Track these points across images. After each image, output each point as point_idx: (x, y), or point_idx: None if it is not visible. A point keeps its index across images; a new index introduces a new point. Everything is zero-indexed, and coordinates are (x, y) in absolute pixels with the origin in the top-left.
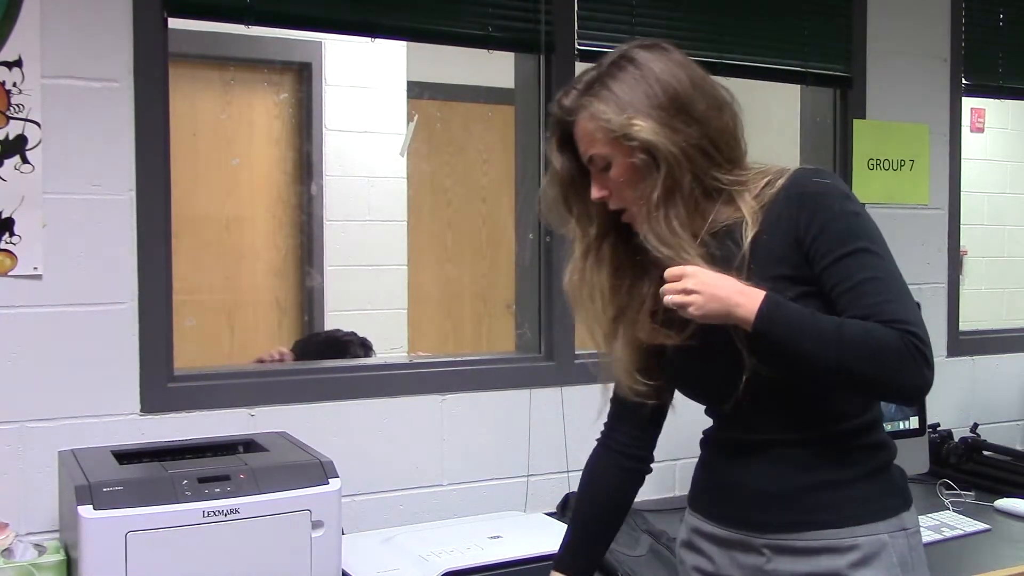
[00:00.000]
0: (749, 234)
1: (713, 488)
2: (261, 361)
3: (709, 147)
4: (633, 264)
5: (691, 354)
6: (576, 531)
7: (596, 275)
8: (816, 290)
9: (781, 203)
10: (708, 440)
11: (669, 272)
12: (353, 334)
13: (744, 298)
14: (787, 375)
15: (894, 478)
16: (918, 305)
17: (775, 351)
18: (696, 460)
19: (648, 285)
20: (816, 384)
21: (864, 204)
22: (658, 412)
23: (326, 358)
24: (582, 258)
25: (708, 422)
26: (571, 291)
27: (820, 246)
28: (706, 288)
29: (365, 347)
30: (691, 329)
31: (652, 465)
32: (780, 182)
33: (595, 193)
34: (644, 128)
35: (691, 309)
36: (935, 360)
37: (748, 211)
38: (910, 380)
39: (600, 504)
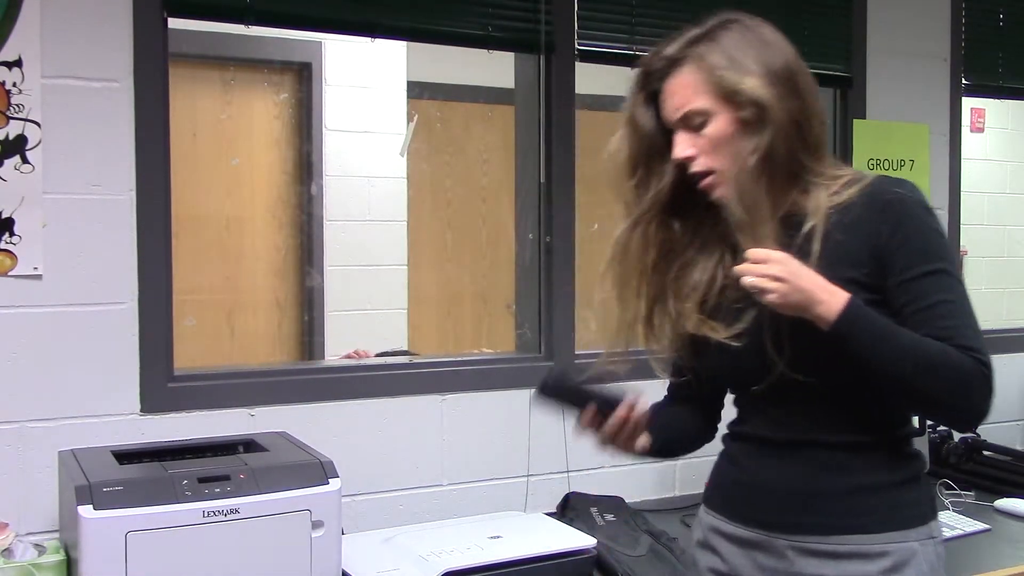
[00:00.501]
0: (819, 232)
1: (737, 486)
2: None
3: (805, 125)
4: (686, 249)
5: (733, 348)
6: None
7: (641, 252)
8: (882, 299)
9: (861, 207)
10: (734, 436)
11: (753, 253)
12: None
13: (828, 296)
14: (824, 381)
15: (925, 487)
16: None
17: (849, 354)
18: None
19: (701, 273)
20: (873, 392)
21: None
22: (717, 393)
23: None
24: (630, 229)
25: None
26: (619, 256)
27: (900, 259)
28: (792, 278)
29: None
30: (741, 324)
31: (650, 466)
32: (859, 185)
33: (680, 151)
34: (758, 85)
35: (773, 296)
36: None
37: (821, 208)
38: (974, 406)
39: (672, 428)
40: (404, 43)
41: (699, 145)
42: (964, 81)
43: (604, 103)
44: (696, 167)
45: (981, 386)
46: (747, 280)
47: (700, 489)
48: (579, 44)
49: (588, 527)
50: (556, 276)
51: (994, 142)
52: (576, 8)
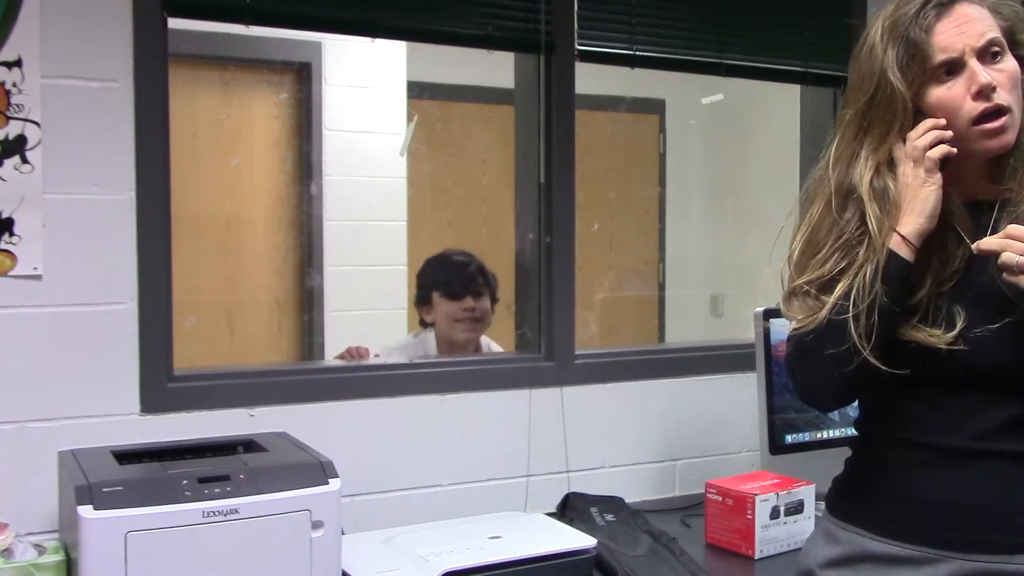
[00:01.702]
0: None
1: (893, 499)
2: (343, 357)
3: None
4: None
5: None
6: None
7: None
8: None
9: None
10: (885, 441)
11: (1017, 229)
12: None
13: None
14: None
15: None
16: None
17: None
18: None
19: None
20: None
21: None
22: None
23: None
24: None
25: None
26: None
27: None
28: None
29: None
30: (961, 327)
31: (650, 466)
32: None
33: (984, 78)
34: None
35: None
36: None
37: None
38: None
39: None
40: (404, 43)
41: (997, 78)
42: None
43: (604, 103)
44: (999, 99)
45: None
46: (1009, 257)
47: (700, 489)
48: (579, 44)
49: (588, 527)
50: (556, 276)
51: None
52: (576, 8)
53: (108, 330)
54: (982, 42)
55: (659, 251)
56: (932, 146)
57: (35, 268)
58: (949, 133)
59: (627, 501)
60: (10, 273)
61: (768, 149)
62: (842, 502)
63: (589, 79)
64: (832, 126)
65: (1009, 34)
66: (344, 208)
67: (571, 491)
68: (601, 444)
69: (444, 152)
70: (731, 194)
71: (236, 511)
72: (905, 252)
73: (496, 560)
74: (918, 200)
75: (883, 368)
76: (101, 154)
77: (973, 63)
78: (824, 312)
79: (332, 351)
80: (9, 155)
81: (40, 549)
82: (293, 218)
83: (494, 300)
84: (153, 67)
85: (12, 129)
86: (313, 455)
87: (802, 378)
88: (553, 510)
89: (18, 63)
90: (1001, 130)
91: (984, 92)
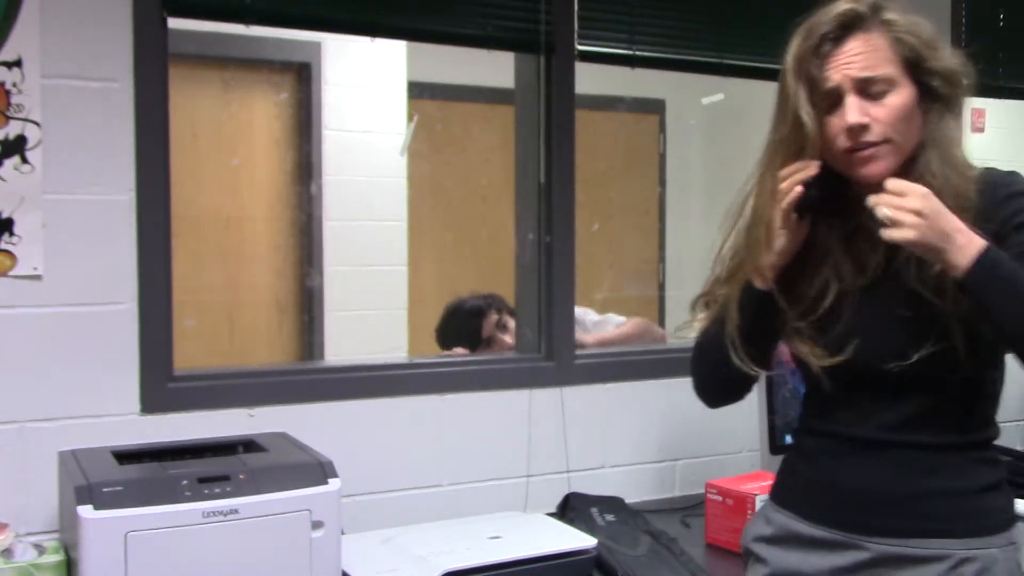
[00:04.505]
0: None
1: (814, 485)
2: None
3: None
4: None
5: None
6: None
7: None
8: None
9: (983, 196)
10: (811, 432)
11: (894, 184)
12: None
13: (965, 240)
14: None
15: (1006, 492)
16: None
17: (978, 303)
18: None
19: (807, 283)
20: (976, 392)
21: None
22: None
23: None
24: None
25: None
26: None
27: (1016, 237)
28: (934, 215)
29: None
30: (846, 353)
31: (650, 466)
32: (973, 175)
33: (856, 116)
34: (947, 59)
35: (909, 233)
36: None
37: (959, 193)
38: None
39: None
40: (404, 43)
41: (876, 114)
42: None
43: (604, 103)
44: (869, 138)
45: None
46: (883, 212)
47: (700, 489)
48: (579, 44)
49: (588, 527)
50: (556, 276)
51: (994, 142)
52: (576, 8)
53: (108, 330)
54: (862, 75)
55: (659, 251)
56: (790, 191)
57: (35, 268)
58: (811, 172)
59: (627, 501)
60: (10, 273)
61: None
62: (777, 487)
63: (589, 79)
64: None
65: (913, 63)
66: (344, 208)
67: (571, 491)
68: (601, 444)
69: (444, 152)
70: (731, 194)
71: (236, 511)
72: (759, 283)
73: (496, 560)
74: (772, 239)
75: (755, 373)
76: (101, 154)
77: (850, 99)
78: (707, 325)
79: (332, 351)
80: (9, 155)
81: (40, 549)
82: (293, 218)
83: (504, 310)
84: (153, 67)
85: (12, 129)
86: (313, 455)
87: (694, 377)
88: (553, 510)
89: (18, 63)
90: (870, 159)
91: (852, 131)
